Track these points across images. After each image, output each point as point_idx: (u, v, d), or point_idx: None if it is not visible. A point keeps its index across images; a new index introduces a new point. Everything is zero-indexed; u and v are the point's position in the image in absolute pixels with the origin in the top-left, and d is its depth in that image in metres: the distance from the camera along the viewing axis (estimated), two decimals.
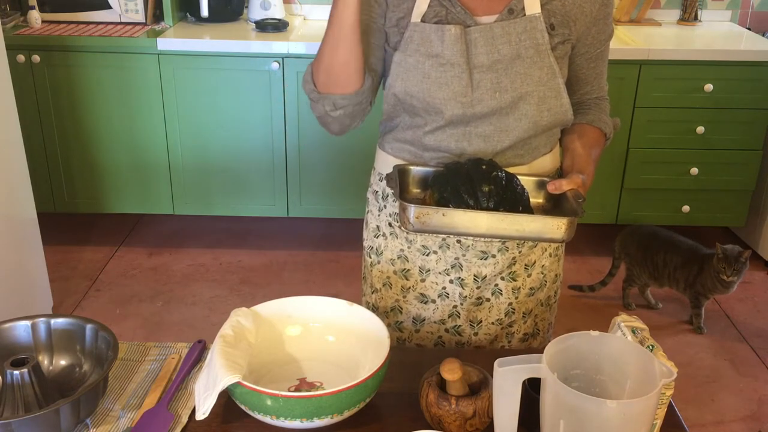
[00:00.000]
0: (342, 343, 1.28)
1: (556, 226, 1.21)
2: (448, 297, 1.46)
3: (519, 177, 1.29)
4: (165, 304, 3.05)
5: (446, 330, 1.49)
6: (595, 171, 1.36)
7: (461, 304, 1.46)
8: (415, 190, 1.36)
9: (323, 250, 3.48)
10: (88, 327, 1.22)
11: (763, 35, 3.41)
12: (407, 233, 1.45)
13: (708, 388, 2.64)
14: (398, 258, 1.47)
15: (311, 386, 1.23)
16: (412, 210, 1.21)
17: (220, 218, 3.65)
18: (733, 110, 3.15)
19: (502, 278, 1.45)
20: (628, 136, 3.20)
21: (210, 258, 3.40)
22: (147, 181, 3.29)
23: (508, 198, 1.25)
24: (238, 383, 1.07)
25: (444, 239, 1.42)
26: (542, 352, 0.98)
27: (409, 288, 1.48)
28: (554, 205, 1.32)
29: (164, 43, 3.04)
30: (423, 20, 1.30)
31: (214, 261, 3.38)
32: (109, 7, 3.24)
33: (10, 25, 3.21)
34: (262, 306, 1.28)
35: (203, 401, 1.10)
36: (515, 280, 1.46)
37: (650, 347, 1.09)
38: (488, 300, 1.47)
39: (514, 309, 1.48)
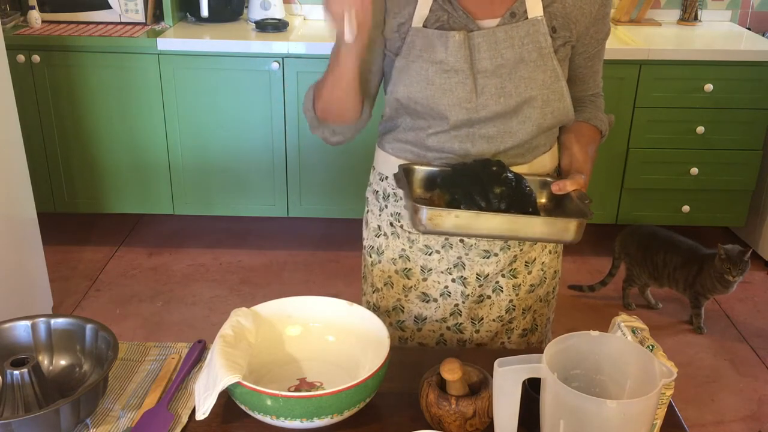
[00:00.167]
0: (342, 343, 1.28)
1: (567, 228, 1.21)
2: (450, 296, 1.47)
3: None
4: (165, 304, 3.05)
5: (448, 328, 1.50)
6: (592, 169, 1.38)
7: (463, 302, 1.47)
8: (419, 190, 1.36)
9: (323, 250, 3.48)
10: (88, 327, 1.22)
11: (763, 35, 3.41)
12: (409, 233, 1.45)
13: (708, 388, 2.64)
14: (400, 257, 1.48)
15: (311, 386, 1.23)
16: (425, 212, 1.20)
17: (220, 218, 3.65)
18: (733, 110, 3.15)
19: (503, 275, 1.46)
20: (628, 136, 3.20)
21: (210, 258, 3.40)
22: (147, 181, 3.29)
23: (518, 199, 1.26)
24: (238, 383, 1.07)
25: (447, 239, 1.42)
26: (540, 349, 0.98)
27: (411, 287, 1.48)
28: (556, 205, 1.33)
29: (164, 43, 3.04)
30: (425, 25, 1.29)
31: (214, 261, 3.38)
32: (109, 7, 3.24)
33: (10, 25, 3.21)
34: (262, 306, 1.28)
35: (203, 401, 1.10)
36: (516, 277, 1.47)
37: (650, 347, 1.09)
38: (489, 297, 1.47)
39: (514, 306, 1.49)
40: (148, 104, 3.14)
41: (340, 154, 3.22)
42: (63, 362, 1.24)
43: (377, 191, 1.50)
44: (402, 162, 1.39)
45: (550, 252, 1.50)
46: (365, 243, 1.55)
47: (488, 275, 1.45)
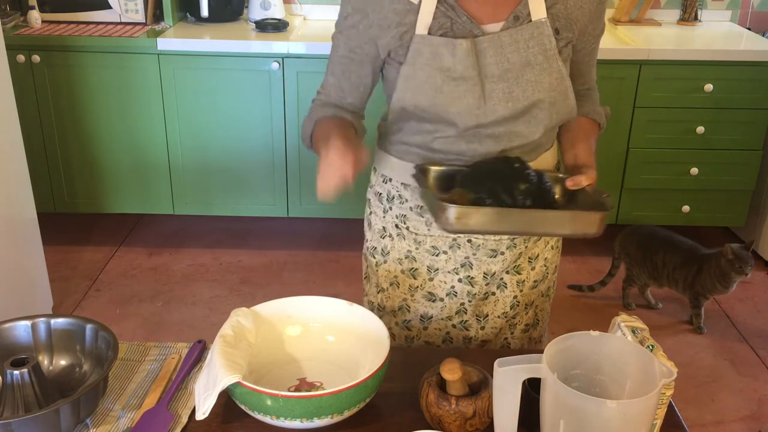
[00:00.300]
0: (342, 343, 1.28)
1: (592, 222, 1.22)
2: (456, 295, 1.48)
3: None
4: (165, 304, 3.05)
5: (453, 326, 1.51)
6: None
7: (469, 301, 1.48)
8: (435, 190, 1.35)
9: (323, 250, 3.48)
10: (88, 327, 1.23)
11: (763, 35, 3.41)
12: (416, 234, 1.45)
13: (708, 388, 2.64)
14: (405, 258, 1.48)
15: (311, 386, 1.23)
16: (453, 211, 1.19)
17: (220, 218, 3.65)
18: (733, 110, 3.15)
19: (507, 272, 1.47)
20: (628, 136, 3.20)
21: (210, 258, 3.40)
22: (147, 181, 3.29)
23: (541, 195, 1.26)
24: (238, 383, 1.07)
25: (455, 239, 1.43)
26: (542, 346, 0.98)
27: (417, 287, 1.49)
28: (569, 200, 1.33)
29: (164, 43, 3.04)
30: (429, 32, 1.28)
31: (214, 261, 3.38)
32: (109, 7, 3.24)
33: (10, 25, 3.20)
34: (262, 306, 1.28)
35: (203, 401, 1.10)
36: (519, 274, 1.48)
37: (650, 347, 1.09)
38: (494, 294, 1.49)
39: (518, 302, 1.50)
40: (148, 104, 3.14)
41: None
42: (63, 362, 1.24)
43: (380, 193, 1.50)
44: (408, 165, 1.39)
45: (552, 248, 1.52)
46: (368, 244, 1.55)
47: (495, 273, 1.46)
